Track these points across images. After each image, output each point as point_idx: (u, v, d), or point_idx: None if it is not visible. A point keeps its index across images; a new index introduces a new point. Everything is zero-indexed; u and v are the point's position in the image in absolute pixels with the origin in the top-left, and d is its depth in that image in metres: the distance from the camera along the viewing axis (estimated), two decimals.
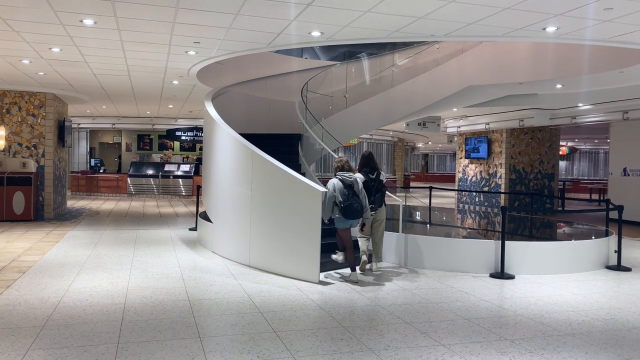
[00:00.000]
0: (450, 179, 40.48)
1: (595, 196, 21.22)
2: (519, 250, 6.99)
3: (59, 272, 6.48)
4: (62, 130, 12.73)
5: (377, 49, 12.85)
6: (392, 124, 16.79)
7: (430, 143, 31.29)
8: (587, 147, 29.93)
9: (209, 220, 8.46)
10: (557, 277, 6.80)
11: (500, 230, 6.96)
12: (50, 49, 7.48)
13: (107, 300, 5.25)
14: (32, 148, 11.86)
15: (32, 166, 11.65)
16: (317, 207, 6.09)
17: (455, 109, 14.20)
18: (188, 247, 8.51)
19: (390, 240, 7.49)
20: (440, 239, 7.41)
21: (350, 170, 6.58)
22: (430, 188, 12.75)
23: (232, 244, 7.50)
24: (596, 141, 27.06)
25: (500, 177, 15.95)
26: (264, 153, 6.94)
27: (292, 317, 4.81)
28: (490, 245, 7.03)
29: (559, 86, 10.69)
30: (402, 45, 12.45)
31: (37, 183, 11.76)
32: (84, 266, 6.86)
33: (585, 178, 29.44)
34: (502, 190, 15.77)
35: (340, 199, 6.18)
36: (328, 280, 6.32)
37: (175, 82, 10.41)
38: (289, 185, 6.45)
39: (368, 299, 5.50)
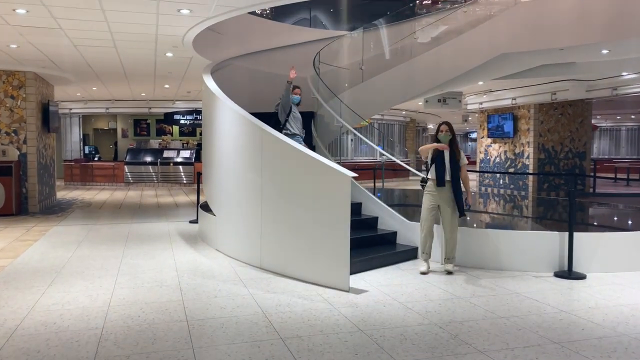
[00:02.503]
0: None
1: (621, 176, 19.85)
2: (589, 244, 5.73)
3: (28, 281, 5.27)
4: (46, 114, 11.46)
5: (395, 16, 11.47)
6: (406, 103, 15.47)
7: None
8: (608, 125, 28.48)
9: (211, 212, 7.22)
10: (637, 276, 5.56)
11: (568, 220, 5.70)
12: (14, 10, 6.18)
13: (81, 323, 4.02)
14: (13, 134, 10.60)
15: (13, 154, 10.41)
16: (344, 196, 4.84)
17: (481, 82, 12.84)
18: (188, 244, 7.29)
19: None
20: (491, 231, 6.16)
21: None
22: None
23: (239, 241, 6.27)
24: (618, 117, 25.61)
25: (527, 157, 14.65)
26: (276, 132, 5.67)
27: (325, 345, 3.58)
28: (553, 238, 5.76)
29: (604, 52, 9.34)
30: (424, 10, 11.09)
31: (19, 173, 10.52)
32: (60, 272, 5.64)
33: (606, 157, 28.04)
34: (530, 171, 14.47)
35: None
36: (360, 286, 5.10)
37: (169, 54, 9.10)
38: (308, 170, 5.19)
39: (417, 314, 4.26)
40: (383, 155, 6.50)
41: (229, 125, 6.52)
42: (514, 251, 5.87)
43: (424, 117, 24.23)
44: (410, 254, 6.33)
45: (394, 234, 6.62)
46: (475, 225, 7.15)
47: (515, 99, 14.34)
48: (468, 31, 10.27)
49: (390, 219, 6.74)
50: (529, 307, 4.50)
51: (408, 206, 9.18)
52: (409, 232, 6.51)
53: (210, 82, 7.44)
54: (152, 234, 8.11)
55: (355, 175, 4.87)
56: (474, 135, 41.20)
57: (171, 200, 13.41)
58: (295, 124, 6.89)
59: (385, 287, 5.10)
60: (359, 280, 5.32)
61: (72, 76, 11.65)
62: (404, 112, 21.24)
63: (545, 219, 8.24)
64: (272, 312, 4.27)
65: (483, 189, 16.28)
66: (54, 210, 11.17)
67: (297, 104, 7.06)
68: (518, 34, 9.46)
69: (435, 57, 10.24)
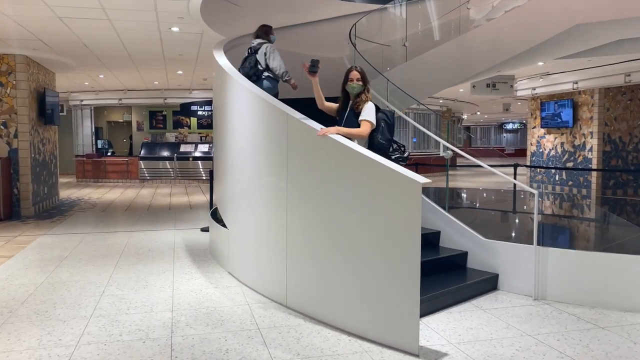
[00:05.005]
0: (496, 153, 37.04)
1: None
2: None
3: None
4: (43, 104, 10.09)
5: None
6: (448, 88, 13.70)
7: (478, 113, 27.87)
8: None
9: (223, 223, 5.68)
10: None
11: None
12: None
13: None
14: (2, 127, 9.25)
15: (1, 150, 9.06)
16: (412, 210, 3.22)
17: (541, 63, 11.00)
18: (194, 264, 5.76)
19: (517, 256, 4.58)
20: (605, 255, 4.45)
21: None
22: (516, 166, 9.64)
23: (257, 266, 4.70)
24: None
25: (590, 149, 12.73)
26: (307, 119, 4.06)
27: None
28: None
29: None
30: None
31: (9, 171, 9.17)
32: (15, 312, 4.16)
33: None
34: (594, 166, 12.57)
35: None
36: (433, 343, 3.47)
37: (175, 28, 7.56)
38: (356, 173, 3.57)
39: None
40: (448, 149, 4.79)
41: (245, 111, 4.94)
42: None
43: (460, 105, 22.36)
44: (488, 284, 4.67)
45: (464, 255, 4.97)
46: (580, 246, 5.44)
47: (577, 83, 12.43)
48: None
49: (457, 235, 5.09)
50: None
51: (477, 213, 7.49)
52: (484, 252, 4.84)
53: (221, 59, 5.88)
54: (153, 248, 6.62)
55: (428, 181, 3.23)
56: (510, 127, 38.98)
57: (185, 200, 11.95)
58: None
59: (470, 344, 3.46)
60: (427, 330, 3.70)
61: (71, 60, 10.24)
62: (441, 101, 19.42)
63: None
64: None
65: (536, 185, 14.37)
66: (51, 213, 9.81)
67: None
68: (598, 0, 7.68)
69: (493, 31, 8.50)
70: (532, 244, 4.47)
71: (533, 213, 4.53)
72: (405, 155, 4.10)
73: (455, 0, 9.34)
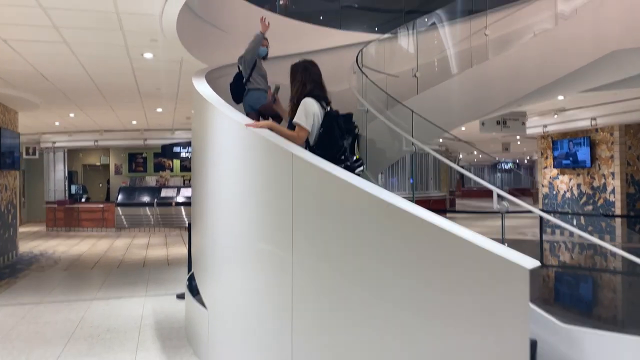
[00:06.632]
0: (491, 193, 35.99)
1: None
2: None
3: None
4: None
5: (456, 11, 8.71)
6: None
7: (474, 152, 26.91)
8: None
9: (200, 299, 4.29)
10: None
11: None
12: None
13: None
14: None
15: None
16: (518, 318, 1.90)
17: (561, 97, 9.97)
18: (162, 355, 4.33)
19: (620, 355, 3.25)
20: None
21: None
22: (542, 218, 8.16)
23: None
24: None
25: (612, 191, 11.60)
26: (323, 161, 2.76)
27: None
28: None
29: None
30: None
31: None
32: None
33: None
34: (617, 210, 11.41)
35: None
36: None
37: (148, 54, 6.34)
38: (413, 248, 2.25)
39: None
40: (504, 201, 3.53)
41: (232, 149, 3.65)
42: None
43: (459, 144, 21.35)
44: None
45: (531, 346, 3.62)
46: None
47: (595, 119, 11.40)
48: (563, 21, 7.53)
49: (568, 346, 3.71)
50: None
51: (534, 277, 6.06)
52: (561, 343, 3.50)
53: (202, 86, 4.64)
54: (113, 327, 5.16)
55: (537, 263, 1.94)
56: (503, 166, 38.26)
57: (163, 254, 10.49)
58: (260, 80, 5.06)
59: None
60: None
61: (33, 96, 8.96)
62: (441, 140, 18.35)
63: None
64: None
65: (550, 231, 13.10)
66: (1, 274, 8.29)
67: (264, 58, 5.30)
68: (638, 22, 6.70)
69: (515, 60, 7.47)
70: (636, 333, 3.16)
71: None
72: (357, 166, 3.14)
73: (471, 26, 8.33)
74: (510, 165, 38.60)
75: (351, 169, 2.98)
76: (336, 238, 2.59)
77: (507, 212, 4.07)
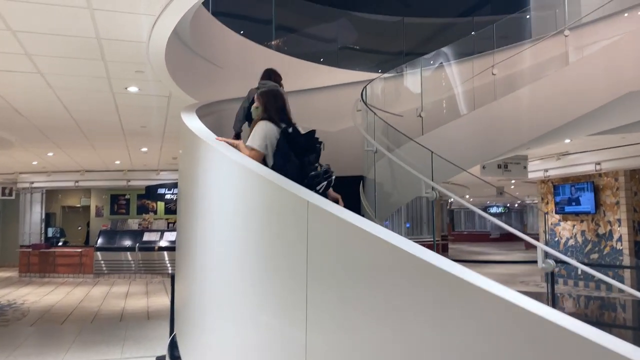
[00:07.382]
0: (481, 237, 35.52)
1: None
2: None
3: None
4: None
5: (460, 53, 8.34)
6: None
7: (467, 196, 26.51)
8: None
9: None
10: None
11: None
12: None
13: None
14: None
15: None
16: None
17: (568, 140, 9.58)
18: None
19: None
20: None
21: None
22: (553, 274, 7.64)
23: None
24: None
25: (619, 239, 11.10)
26: (345, 210, 2.15)
27: None
28: None
29: None
30: (505, 38, 7.99)
31: None
32: None
33: None
34: (625, 257, 10.88)
35: None
36: None
37: (133, 88, 5.77)
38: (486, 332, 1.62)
39: None
40: (549, 258, 2.91)
41: (229, 195, 3.02)
42: None
43: (451, 188, 20.91)
44: None
45: None
46: None
47: (599, 164, 11.01)
48: (575, 61, 7.20)
49: None
50: None
51: None
52: None
53: (193, 122, 4.05)
54: None
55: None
56: (494, 210, 37.93)
57: (143, 305, 9.64)
58: None
59: None
60: None
61: (6, 133, 8.31)
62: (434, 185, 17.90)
63: None
64: None
65: (561, 284, 12.47)
66: None
67: None
68: None
69: (524, 101, 7.09)
70: None
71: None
72: (327, 177, 2.95)
73: (477, 65, 7.95)
74: (501, 209, 38.31)
75: (310, 186, 2.79)
76: (376, 319, 1.93)
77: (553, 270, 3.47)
